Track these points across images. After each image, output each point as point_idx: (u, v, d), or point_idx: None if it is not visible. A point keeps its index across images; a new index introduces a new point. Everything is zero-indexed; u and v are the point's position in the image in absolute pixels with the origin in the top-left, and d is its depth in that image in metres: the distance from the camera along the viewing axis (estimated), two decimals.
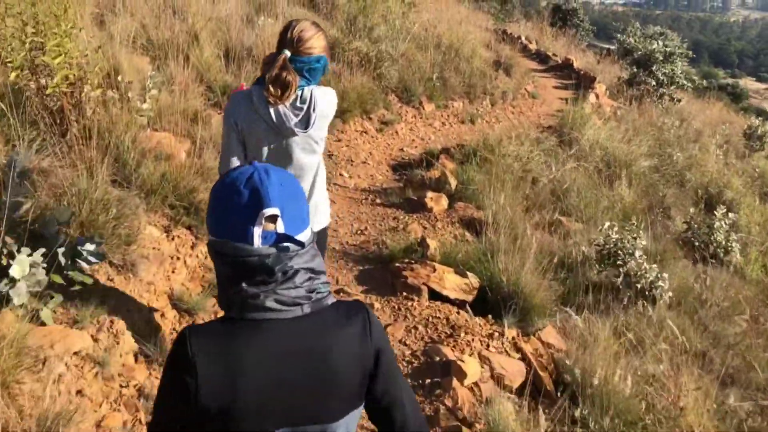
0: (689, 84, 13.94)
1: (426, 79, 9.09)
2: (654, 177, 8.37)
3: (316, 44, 2.39)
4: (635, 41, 17.13)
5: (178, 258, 3.49)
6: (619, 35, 22.08)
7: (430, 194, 5.35)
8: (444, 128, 8.69)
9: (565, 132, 9.38)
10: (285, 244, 1.23)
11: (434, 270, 4.04)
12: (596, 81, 13.37)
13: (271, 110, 2.35)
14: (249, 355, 1.20)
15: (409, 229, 4.84)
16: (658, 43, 14.26)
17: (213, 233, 1.27)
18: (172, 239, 3.57)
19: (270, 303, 1.21)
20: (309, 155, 2.51)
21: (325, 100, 2.48)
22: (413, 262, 4.19)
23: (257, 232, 1.20)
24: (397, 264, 4.22)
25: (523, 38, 17.75)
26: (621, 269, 4.44)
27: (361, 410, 1.36)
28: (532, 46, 16.72)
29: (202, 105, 5.00)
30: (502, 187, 5.24)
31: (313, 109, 2.40)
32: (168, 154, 4.07)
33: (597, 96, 12.49)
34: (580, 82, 13.88)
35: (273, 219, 1.22)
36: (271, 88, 2.32)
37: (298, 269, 1.23)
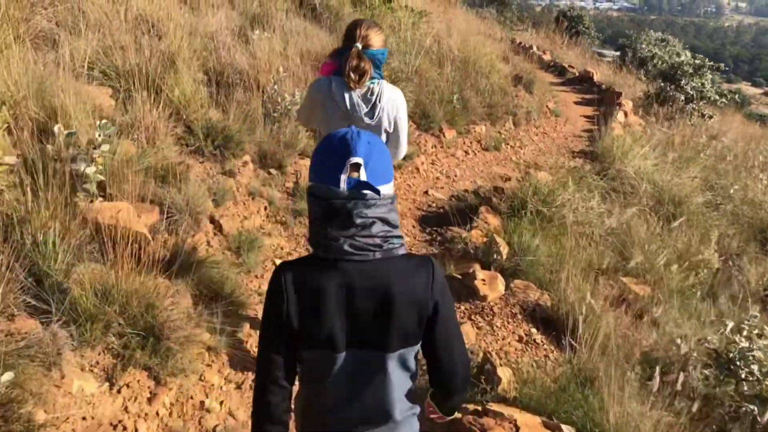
0: (722, 99, 12.80)
1: (445, 101, 7.91)
2: (712, 216, 7.20)
3: (378, 39, 2.74)
4: (658, 52, 16.08)
5: (124, 428, 2.29)
6: (629, 42, 21.23)
7: (480, 274, 4.06)
8: (468, 158, 7.51)
9: (604, 161, 8.23)
10: (364, 190, 1.45)
11: (516, 428, 2.67)
12: (622, 96, 12.21)
13: (347, 96, 2.68)
14: (327, 288, 1.48)
15: None
16: (686, 55, 13.15)
17: (312, 179, 1.52)
18: (118, 391, 2.38)
19: (347, 247, 1.45)
20: None
21: (391, 95, 2.77)
22: (480, 412, 2.80)
23: (343, 177, 1.44)
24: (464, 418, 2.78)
25: (534, 48, 16.63)
26: (744, 382, 3.25)
27: (417, 348, 1.59)
28: (547, 57, 15.59)
29: (176, 154, 3.80)
30: (569, 255, 4.06)
31: (379, 101, 2.71)
32: (124, 230, 2.86)
33: (625, 114, 11.34)
34: (603, 98, 12.75)
35: (357, 167, 1.46)
36: (352, 75, 2.65)
37: (374, 219, 1.46)
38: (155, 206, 3.24)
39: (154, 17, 5.55)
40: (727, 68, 14.70)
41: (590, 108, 12.17)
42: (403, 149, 2.92)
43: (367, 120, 2.69)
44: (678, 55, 12.97)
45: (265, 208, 4.40)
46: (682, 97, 12.54)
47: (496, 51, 12.19)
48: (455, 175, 6.68)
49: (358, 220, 1.44)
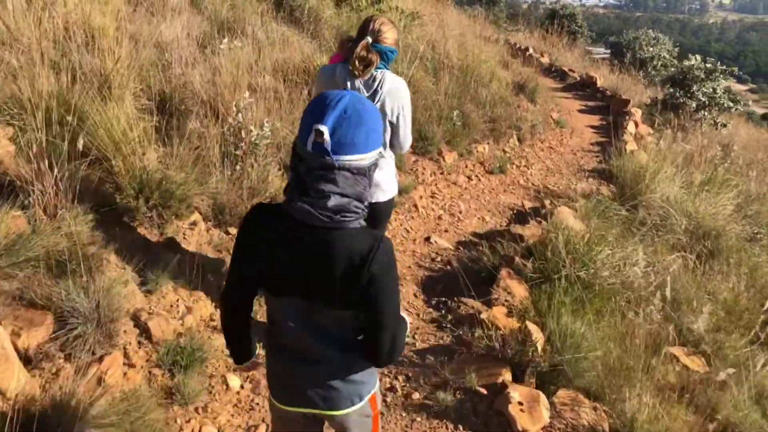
0: (735, 105, 11.89)
1: (444, 118, 6.88)
2: (754, 252, 6.26)
3: (390, 36, 2.82)
4: (664, 54, 15.21)
5: None
6: (626, 42, 20.33)
7: (515, 393, 2.91)
8: (471, 186, 6.51)
9: (623, 183, 7.26)
10: (326, 157, 1.48)
11: None
12: (630, 104, 11.26)
13: (349, 83, 2.79)
14: (281, 238, 1.57)
15: None
16: (695, 59, 12.22)
17: (299, 132, 1.56)
18: None
19: (300, 211, 1.52)
20: None
21: (394, 84, 2.83)
22: None
23: (310, 138, 1.48)
24: None
25: (531, 50, 15.67)
26: None
27: (351, 320, 1.65)
28: (545, 60, 14.63)
29: (90, 228, 2.71)
30: (626, 351, 3.05)
31: (381, 87, 2.79)
32: None
33: (636, 124, 10.39)
34: (608, 105, 11.80)
35: (321, 134, 1.46)
36: (357, 63, 2.74)
37: (330, 194, 1.50)
38: (47, 314, 2.21)
39: (92, 26, 4.48)
40: (741, 72, 13.81)
41: (596, 117, 11.22)
42: (408, 141, 3.02)
43: None
44: (689, 59, 12.05)
45: (219, 287, 3.26)
46: (693, 104, 11.62)
47: (495, 55, 11.19)
48: (460, 212, 5.67)
49: (312, 192, 1.51)
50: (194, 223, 3.36)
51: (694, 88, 11.68)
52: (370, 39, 2.71)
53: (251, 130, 3.77)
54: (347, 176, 1.50)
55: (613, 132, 10.22)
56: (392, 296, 1.63)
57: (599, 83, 12.90)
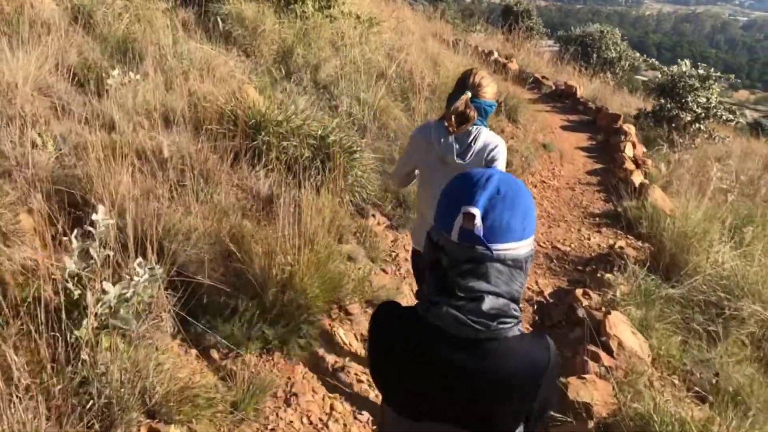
0: (733, 117, 10.62)
1: None
2: None
3: (490, 91, 2.71)
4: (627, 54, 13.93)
5: None
6: (590, 41, 19.09)
7: None
8: None
9: (651, 239, 5.74)
10: (477, 246, 1.21)
11: None
12: (620, 120, 9.83)
13: (443, 140, 2.70)
14: (416, 349, 1.28)
15: None
16: (686, 64, 10.89)
17: (434, 221, 1.30)
18: None
19: (446, 317, 1.23)
20: None
21: (488, 139, 2.69)
22: None
23: (456, 225, 1.22)
24: None
25: (496, 53, 14.17)
26: None
27: None
28: (514, 66, 13.11)
29: None
30: None
31: (474, 143, 2.67)
32: None
33: (633, 145, 8.94)
34: (593, 119, 10.37)
35: (471, 218, 1.20)
36: (453, 120, 2.64)
37: (483, 294, 1.22)
38: None
39: None
40: (738, 79, 12.59)
41: (583, 135, 9.75)
42: None
43: (458, 161, 2.68)
44: (680, 66, 10.73)
45: None
46: (688, 117, 10.29)
47: (462, 64, 9.54)
48: None
49: (459, 293, 1.22)
50: None
51: (689, 98, 10.34)
52: (469, 94, 2.65)
53: (109, 292, 1.97)
54: (501, 270, 1.23)
55: (609, 156, 8.82)
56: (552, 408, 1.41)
57: (579, 93, 11.44)
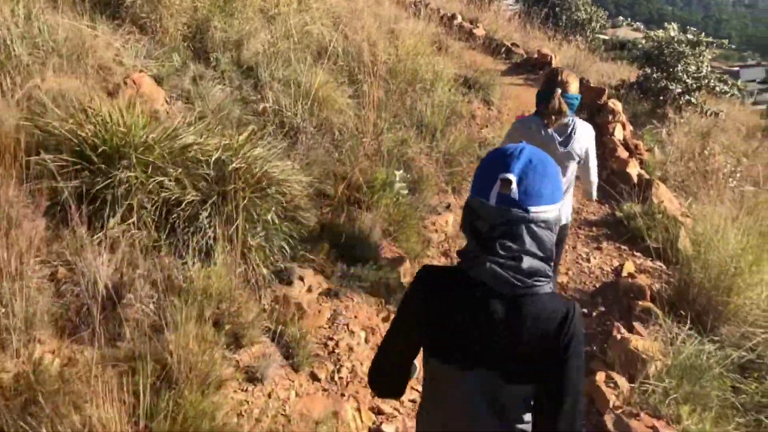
0: (727, 88, 9.47)
1: (379, 186, 3.82)
2: None
3: (574, 86, 3.11)
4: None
5: None
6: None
7: None
8: None
9: (668, 258, 4.57)
10: (513, 208, 1.37)
11: None
12: (605, 95, 8.58)
13: (543, 132, 3.07)
14: (461, 304, 1.44)
15: None
16: (674, 28, 9.66)
17: (471, 191, 1.46)
18: None
19: (490, 273, 1.37)
20: (566, 169, 3.18)
21: (583, 129, 3.16)
22: None
23: (493, 191, 1.39)
24: None
25: (459, 18, 12.72)
26: None
27: (525, 398, 1.48)
28: (479, 32, 11.69)
29: None
30: None
31: (573, 133, 3.10)
32: None
33: (623, 126, 7.73)
34: None
35: (508, 184, 1.37)
36: (552, 117, 3.04)
37: (522, 254, 1.37)
38: None
39: None
40: (732, 45, 11.49)
41: None
42: (596, 178, 3.42)
43: (561, 149, 3.05)
44: (667, 30, 9.51)
45: None
46: (678, 89, 9.11)
47: (424, 34, 8.09)
48: None
49: (501, 251, 1.38)
50: None
51: (679, 67, 9.14)
52: (560, 90, 2.99)
53: None
54: (534, 231, 1.40)
55: (596, 140, 7.58)
56: (581, 363, 1.45)
57: (555, 62, 10.14)
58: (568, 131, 3.05)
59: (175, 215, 2.50)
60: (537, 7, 15.70)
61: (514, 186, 1.36)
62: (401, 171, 3.88)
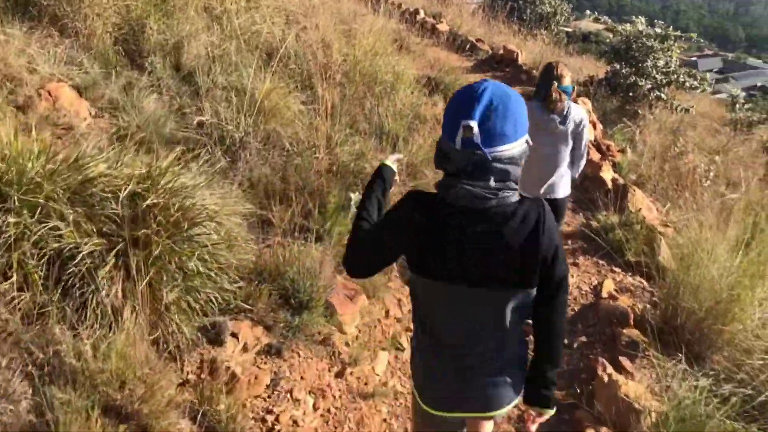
0: (696, 82, 9.23)
1: (331, 211, 3.36)
2: None
3: (568, 77, 3.50)
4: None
5: None
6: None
7: None
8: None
9: (642, 272, 4.22)
10: (477, 151, 1.48)
11: None
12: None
13: (545, 114, 3.46)
14: (443, 224, 1.56)
15: None
16: (641, 22, 9.39)
17: (441, 131, 1.57)
18: None
19: (461, 193, 1.51)
20: (561, 146, 3.56)
21: (578, 111, 3.56)
22: None
23: (458, 135, 1.48)
24: None
25: (422, 13, 12.29)
26: None
27: (527, 299, 1.64)
28: (443, 27, 11.30)
29: None
30: None
31: (569, 113, 3.49)
32: None
33: (594, 125, 7.40)
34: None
35: (470, 130, 1.46)
36: (551, 105, 3.43)
37: (490, 176, 1.50)
38: None
39: None
40: (701, 40, 11.21)
41: None
42: (583, 161, 3.77)
43: (561, 127, 3.47)
44: (634, 24, 9.24)
45: None
46: (648, 85, 8.85)
47: (386, 33, 7.63)
48: None
49: (473, 180, 1.50)
50: None
51: (648, 62, 8.87)
52: (556, 83, 3.38)
53: None
54: (500, 167, 1.50)
55: None
56: (562, 254, 1.61)
57: (521, 59, 9.79)
58: (565, 112, 3.46)
59: (70, 270, 2.01)
60: (501, 1, 15.36)
61: (476, 130, 1.45)
62: (357, 194, 3.42)
